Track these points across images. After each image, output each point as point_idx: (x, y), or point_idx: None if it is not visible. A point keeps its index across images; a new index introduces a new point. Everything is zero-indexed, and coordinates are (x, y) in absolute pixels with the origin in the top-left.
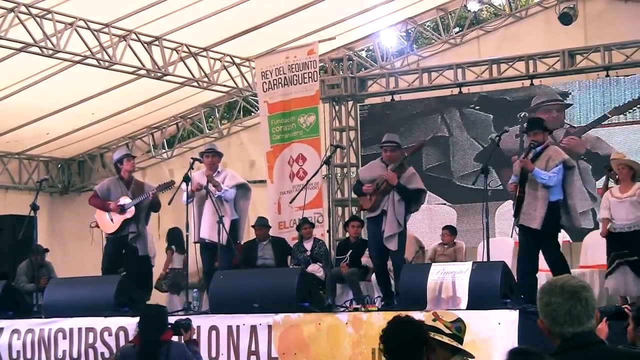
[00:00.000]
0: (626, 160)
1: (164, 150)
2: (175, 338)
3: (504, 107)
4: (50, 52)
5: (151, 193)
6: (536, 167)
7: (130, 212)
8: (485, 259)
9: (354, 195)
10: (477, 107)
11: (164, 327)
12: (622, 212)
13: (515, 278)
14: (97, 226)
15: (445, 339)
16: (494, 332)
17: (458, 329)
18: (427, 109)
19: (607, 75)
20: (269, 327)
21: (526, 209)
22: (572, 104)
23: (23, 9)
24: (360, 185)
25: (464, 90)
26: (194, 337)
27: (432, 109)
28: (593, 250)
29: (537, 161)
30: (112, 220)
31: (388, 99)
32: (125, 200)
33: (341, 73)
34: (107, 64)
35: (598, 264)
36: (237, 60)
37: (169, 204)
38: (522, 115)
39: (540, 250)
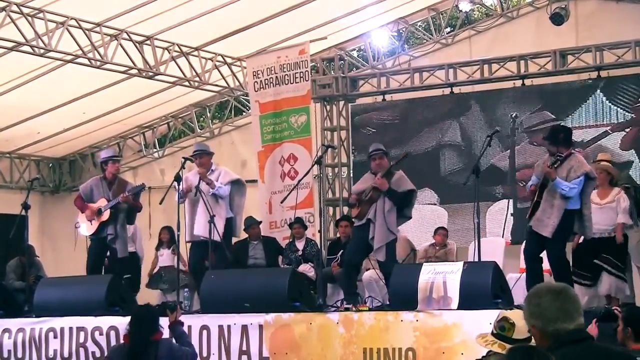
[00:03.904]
0: (604, 165)
1: (155, 150)
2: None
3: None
4: (42, 51)
5: (121, 197)
6: (557, 175)
7: (106, 215)
8: (476, 259)
9: (344, 195)
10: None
11: (155, 328)
12: (602, 218)
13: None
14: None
15: (489, 345)
16: (485, 332)
17: (502, 328)
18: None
19: (599, 76)
20: (260, 326)
21: (540, 215)
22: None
23: (15, 7)
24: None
25: (455, 90)
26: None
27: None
28: None
29: (559, 170)
30: (91, 222)
31: (379, 98)
32: (102, 203)
33: (332, 73)
34: (98, 63)
35: None
36: (229, 60)
37: (160, 203)
38: (513, 116)
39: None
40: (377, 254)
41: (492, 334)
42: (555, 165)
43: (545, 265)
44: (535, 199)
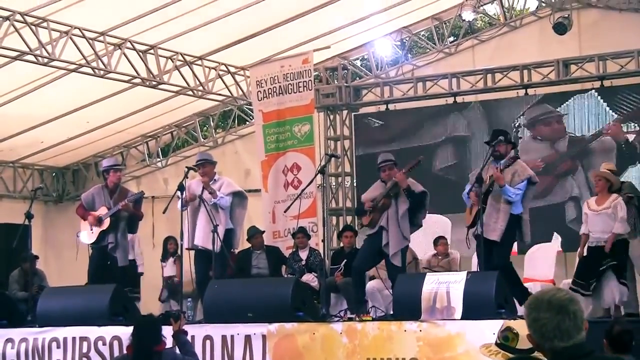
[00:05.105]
0: (603, 172)
1: (158, 159)
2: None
3: (499, 116)
4: (46, 60)
5: (121, 205)
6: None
7: (106, 224)
8: (479, 269)
9: (348, 205)
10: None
11: (158, 339)
12: (598, 225)
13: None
14: None
15: (493, 355)
16: (489, 342)
17: (505, 338)
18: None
19: (602, 85)
20: (263, 336)
21: (486, 220)
22: (567, 114)
23: (19, 17)
24: (362, 206)
25: (459, 99)
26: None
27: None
28: None
29: (502, 174)
30: (92, 230)
31: (383, 108)
32: (103, 211)
33: (336, 82)
34: (102, 72)
35: None
36: (232, 69)
37: (163, 212)
38: (516, 125)
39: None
40: (394, 259)
41: (496, 344)
42: (505, 167)
43: (548, 275)
44: (481, 204)
